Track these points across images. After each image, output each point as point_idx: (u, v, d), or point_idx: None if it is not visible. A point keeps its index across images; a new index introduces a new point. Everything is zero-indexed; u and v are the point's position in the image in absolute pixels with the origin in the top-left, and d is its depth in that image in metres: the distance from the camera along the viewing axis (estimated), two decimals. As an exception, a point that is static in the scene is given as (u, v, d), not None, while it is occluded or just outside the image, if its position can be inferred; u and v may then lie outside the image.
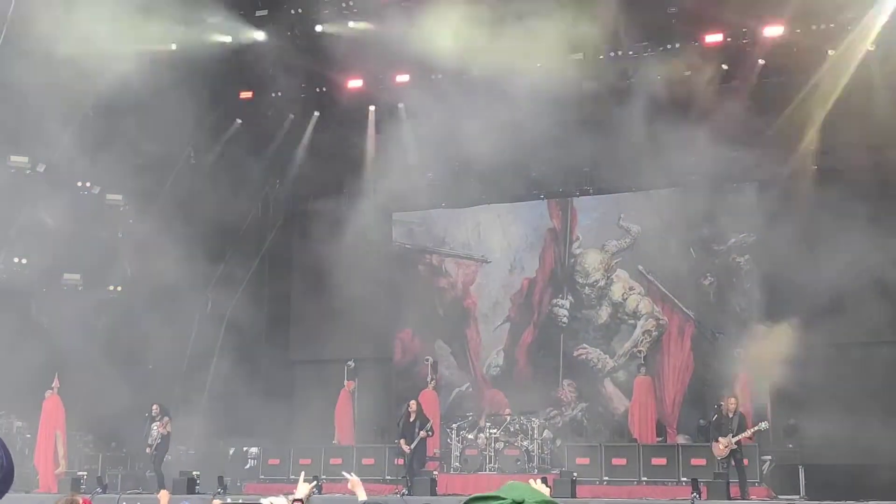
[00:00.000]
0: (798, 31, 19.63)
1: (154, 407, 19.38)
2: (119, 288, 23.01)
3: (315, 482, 6.81)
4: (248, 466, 21.55)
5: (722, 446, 16.42)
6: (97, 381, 20.18)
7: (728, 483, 16.00)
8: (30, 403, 20.44)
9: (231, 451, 21.90)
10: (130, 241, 22.94)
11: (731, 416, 16.61)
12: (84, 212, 21.63)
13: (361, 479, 7.14)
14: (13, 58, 17.93)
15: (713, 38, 20.15)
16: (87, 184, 22.38)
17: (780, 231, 20.34)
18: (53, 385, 20.03)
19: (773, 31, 19.75)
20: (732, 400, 16.95)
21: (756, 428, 16.46)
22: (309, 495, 5.94)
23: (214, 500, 5.22)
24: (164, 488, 17.93)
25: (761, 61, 20.26)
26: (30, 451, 20.73)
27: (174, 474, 19.10)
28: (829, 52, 19.48)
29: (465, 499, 1.99)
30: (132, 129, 20.42)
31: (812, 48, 19.68)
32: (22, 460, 20.72)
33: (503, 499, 1.83)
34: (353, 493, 6.96)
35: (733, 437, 16.33)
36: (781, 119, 19.82)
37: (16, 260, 21.36)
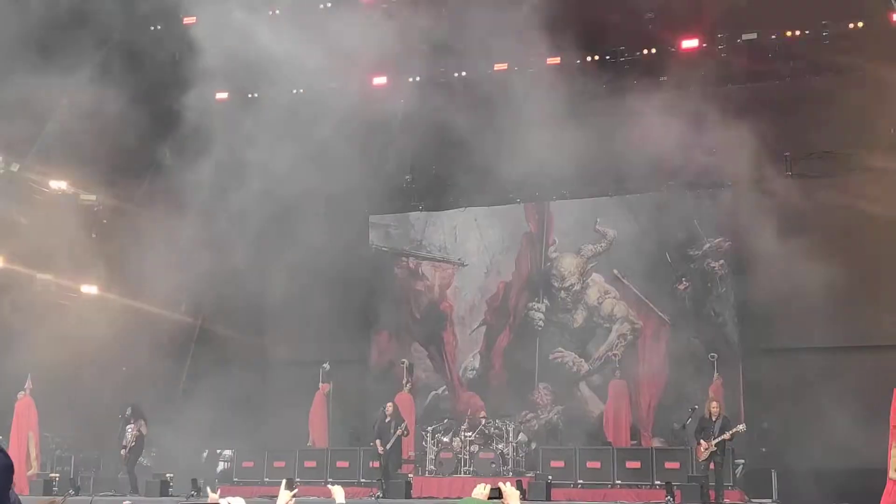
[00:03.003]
0: (773, 37, 19.76)
1: (127, 409, 19.30)
2: (93, 289, 22.86)
3: (295, 490, 6.76)
4: (221, 469, 21.46)
5: (703, 449, 16.53)
6: (70, 383, 20.05)
7: (702, 486, 16.07)
8: (2, 405, 20.28)
9: (205, 454, 21.81)
10: (105, 242, 22.81)
11: (714, 419, 16.71)
12: (58, 212, 21.50)
13: (335, 482, 7.13)
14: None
15: (689, 43, 20.23)
16: (63, 184, 22.26)
17: (754, 236, 20.46)
18: (26, 386, 19.89)
19: (748, 36, 19.86)
20: (715, 404, 17.06)
21: (735, 430, 16.55)
22: (289, 503, 5.91)
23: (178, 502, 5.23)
24: (136, 491, 17.90)
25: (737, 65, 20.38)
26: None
27: (147, 476, 19.00)
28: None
29: (441, 503, 2.01)
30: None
31: (787, 53, 19.82)
32: (-7, 462, 20.56)
33: None
34: (331, 496, 6.94)
35: (714, 440, 16.43)
36: (757, 123, 19.90)
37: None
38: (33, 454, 19.89)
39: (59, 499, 13.77)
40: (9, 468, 1.73)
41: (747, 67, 20.41)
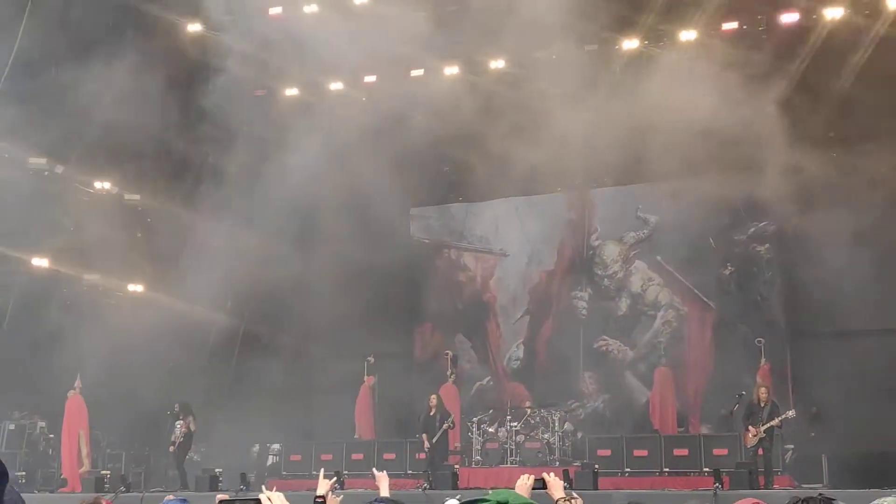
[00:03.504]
0: (814, 16, 19.48)
1: (176, 405, 19.51)
2: (139, 288, 23.13)
3: (335, 478, 6.81)
4: (270, 463, 21.64)
5: (751, 435, 16.40)
6: (118, 381, 20.29)
7: (751, 472, 15.93)
8: (53, 404, 20.60)
9: (255, 449, 22.01)
10: (150, 241, 23.06)
11: (762, 405, 16.57)
12: (102, 212, 21.76)
13: (387, 477, 7.15)
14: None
15: (728, 25, 20.01)
16: (106, 185, 22.54)
17: (799, 218, 20.24)
18: (76, 385, 20.15)
19: (788, 17, 19.60)
20: (763, 389, 16.89)
21: (784, 416, 16.40)
22: (329, 491, 5.94)
23: (218, 496, 5.23)
24: (186, 486, 18.11)
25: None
26: (54, 451, 20.90)
27: (197, 471, 19.20)
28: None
29: (487, 493, 2.00)
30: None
31: (829, 34, 19.53)
32: (45, 460, 20.91)
33: (488, 500, 1.86)
34: (377, 488, 6.97)
35: (763, 425, 16.30)
36: (799, 102, 19.65)
37: (36, 261, 21.49)
38: (84, 452, 20.16)
39: (106, 496, 13.90)
40: (3, 475, 1.73)
41: (788, 48, 20.14)
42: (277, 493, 3.29)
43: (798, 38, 19.84)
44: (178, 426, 19.33)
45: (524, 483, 4.70)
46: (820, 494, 3.51)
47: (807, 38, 19.71)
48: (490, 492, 2.13)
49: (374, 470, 7.67)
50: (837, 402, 18.86)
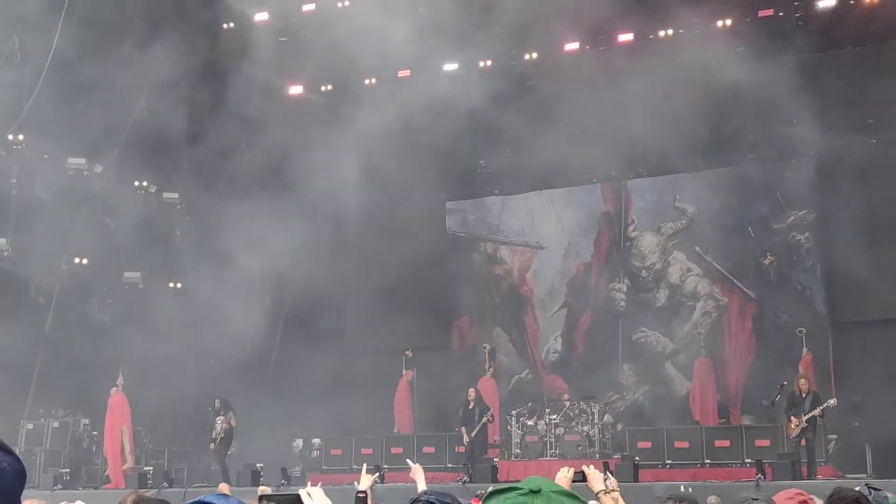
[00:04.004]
0: (851, 2, 19.23)
1: (216, 401, 19.65)
2: (179, 285, 23.32)
3: (378, 473, 6.82)
4: (311, 457, 21.75)
5: (793, 425, 16.27)
6: (160, 378, 20.48)
7: (793, 463, 15.80)
8: (95, 401, 20.83)
9: (298, 443, 22.13)
10: (188, 238, 23.25)
11: (804, 395, 16.44)
12: (142, 210, 21.98)
13: (422, 468, 7.17)
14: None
15: (765, 12, 19.80)
16: (144, 183, 22.75)
17: (840, 206, 20.02)
18: (118, 382, 20.35)
19: (825, 3, 19.35)
20: (804, 380, 16.78)
21: (826, 405, 16.26)
22: (372, 486, 5.96)
23: (261, 488, 5.26)
24: (228, 481, 18.23)
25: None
26: (97, 448, 21.15)
27: (238, 466, 19.33)
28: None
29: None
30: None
31: (866, 19, 19.28)
32: (89, 457, 21.16)
33: (520, 488, 1.84)
34: (415, 482, 6.98)
35: (805, 416, 16.17)
36: (838, 91, 19.42)
37: (77, 260, 21.74)
38: (127, 448, 20.37)
39: (149, 492, 14.02)
40: (22, 473, 1.72)
41: (825, 34, 19.91)
42: (317, 489, 3.31)
43: (835, 23, 19.60)
44: (219, 422, 19.46)
45: (564, 476, 4.70)
46: (866, 485, 3.46)
47: (844, 23, 19.46)
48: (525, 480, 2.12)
49: (408, 461, 7.70)
50: (880, 391, 18.67)
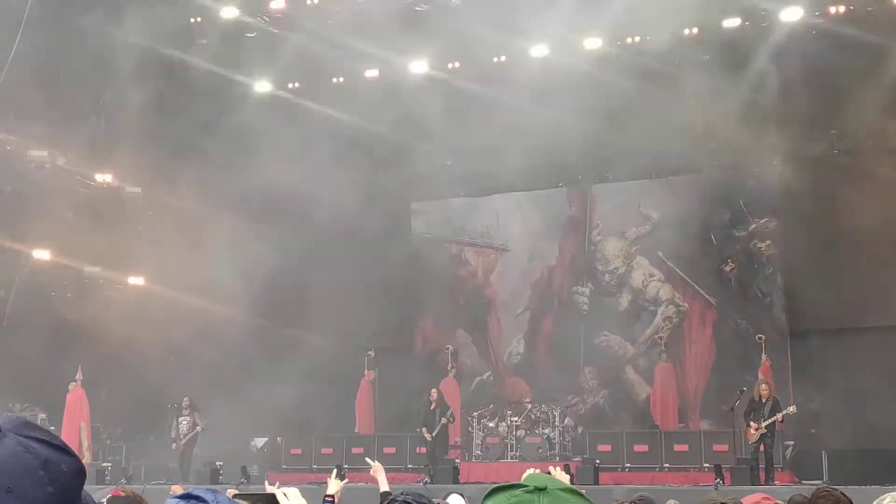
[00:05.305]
0: (816, 13, 19.44)
1: (184, 399, 19.50)
2: (140, 280, 23.13)
3: (346, 480, 6.82)
4: (270, 456, 21.66)
5: (753, 430, 16.44)
6: (119, 374, 20.31)
7: (752, 468, 15.96)
8: (53, 396, 20.62)
9: (260, 443, 22.03)
10: (151, 234, 23.06)
11: (764, 401, 16.62)
12: (103, 205, 21.78)
13: (383, 469, 7.16)
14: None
15: (730, 22, 19.96)
16: (107, 177, 22.54)
17: (801, 215, 20.23)
18: (77, 377, 20.17)
19: (790, 14, 19.52)
20: (764, 386, 16.97)
21: (786, 411, 16.45)
22: (338, 492, 5.97)
23: (229, 490, 5.24)
24: (187, 479, 18.12)
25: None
26: (54, 444, 20.90)
27: (198, 465, 19.21)
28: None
29: (488, 487, 2.00)
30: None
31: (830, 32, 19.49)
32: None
33: (525, 485, 1.85)
34: (376, 482, 6.98)
35: (764, 421, 16.34)
36: (801, 100, 19.62)
37: (37, 254, 21.49)
38: (85, 444, 20.20)
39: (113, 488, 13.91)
40: (81, 472, 1.68)
41: (789, 45, 20.09)
42: (293, 489, 3.30)
43: (800, 34, 19.78)
44: (184, 422, 19.32)
45: (564, 475, 4.71)
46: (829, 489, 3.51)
47: (809, 34, 19.64)
48: (528, 473, 2.12)
49: (368, 459, 7.68)
50: (838, 399, 18.90)
